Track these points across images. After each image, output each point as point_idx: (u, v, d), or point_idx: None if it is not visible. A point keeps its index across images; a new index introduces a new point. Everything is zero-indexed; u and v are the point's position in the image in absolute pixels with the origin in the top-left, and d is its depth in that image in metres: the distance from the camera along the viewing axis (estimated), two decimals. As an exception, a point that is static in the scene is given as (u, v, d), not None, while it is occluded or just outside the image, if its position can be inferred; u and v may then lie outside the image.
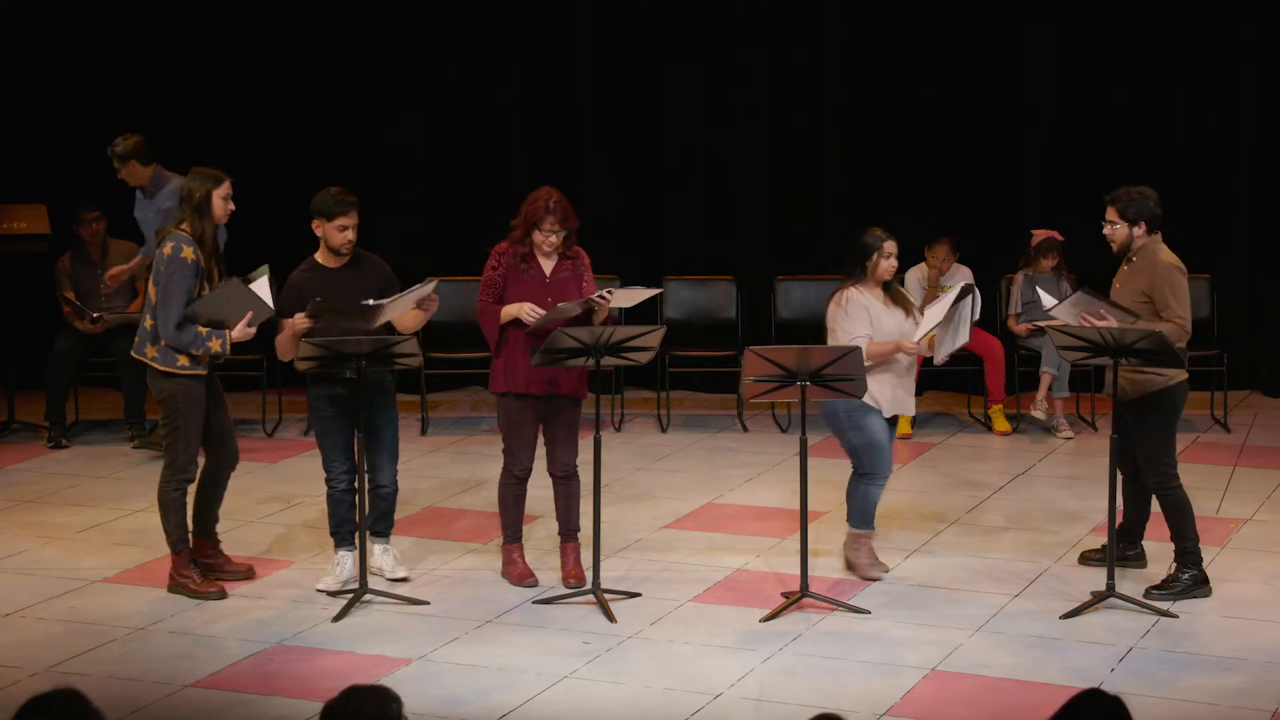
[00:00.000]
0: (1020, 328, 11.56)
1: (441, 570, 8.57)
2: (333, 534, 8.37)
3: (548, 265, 8.20)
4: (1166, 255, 8.14)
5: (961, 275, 11.67)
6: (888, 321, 8.28)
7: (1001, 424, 11.44)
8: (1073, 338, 7.92)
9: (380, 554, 8.43)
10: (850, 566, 8.49)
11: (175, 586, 8.27)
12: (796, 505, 8.11)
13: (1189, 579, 8.09)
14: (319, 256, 8.30)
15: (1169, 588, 8.08)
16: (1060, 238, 11.51)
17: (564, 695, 7.02)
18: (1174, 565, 8.15)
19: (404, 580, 8.37)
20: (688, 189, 12.68)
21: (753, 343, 9.52)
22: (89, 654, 7.48)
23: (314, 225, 8.25)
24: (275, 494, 9.98)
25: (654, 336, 8.04)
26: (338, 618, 7.87)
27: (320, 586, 8.28)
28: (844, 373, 7.81)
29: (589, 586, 8.08)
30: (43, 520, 9.46)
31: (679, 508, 9.70)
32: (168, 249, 8.13)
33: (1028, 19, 12.33)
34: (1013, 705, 6.93)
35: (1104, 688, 4.36)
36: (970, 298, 8.28)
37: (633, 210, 12.69)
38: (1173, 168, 12.26)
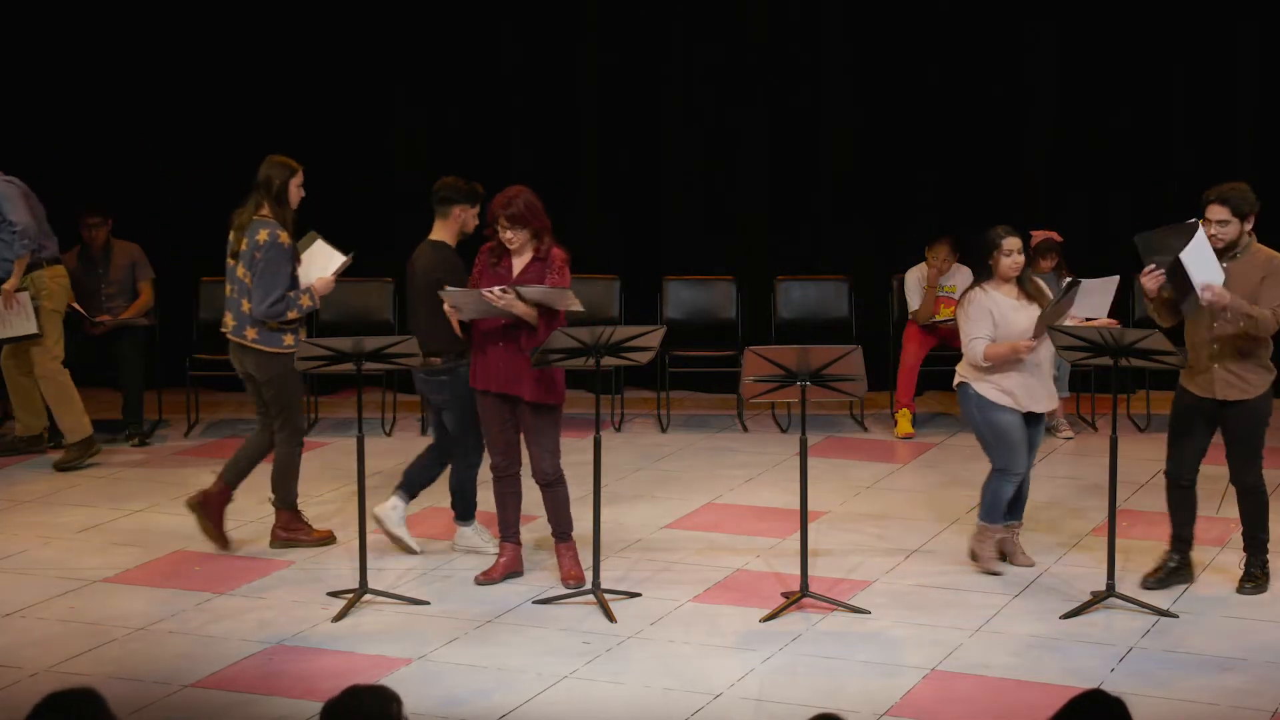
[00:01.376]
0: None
1: (442, 570, 8.57)
2: (465, 513, 8.78)
3: (518, 264, 8.20)
4: (1271, 251, 7.97)
5: (962, 275, 11.68)
6: (1018, 319, 8.26)
7: None
8: (1073, 337, 7.91)
9: (476, 531, 8.84)
10: (973, 557, 8.51)
11: (284, 542, 8.83)
12: (796, 505, 8.11)
13: (1260, 568, 8.14)
14: (446, 239, 8.64)
15: (1254, 580, 8.11)
16: (1059, 238, 11.51)
17: (564, 695, 7.02)
18: (1245, 559, 8.19)
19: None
20: (688, 189, 12.68)
21: (753, 343, 9.52)
22: (89, 654, 7.48)
23: (455, 211, 8.62)
24: (275, 494, 9.97)
25: (654, 336, 8.05)
26: (338, 618, 7.87)
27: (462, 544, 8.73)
28: (844, 373, 7.82)
29: (589, 586, 8.08)
30: (43, 520, 9.46)
31: (679, 508, 9.70)
32: (263, 235, 8.67)
33: (1028, 19, 12.33)
34: (1013, 705, 6.93)
35: (1104, 688, 4.36)
36: (1075, 289, 8.25)
37: (633, 210, 12.69)
38: (1173, 168, 12.27)
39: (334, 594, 8.15)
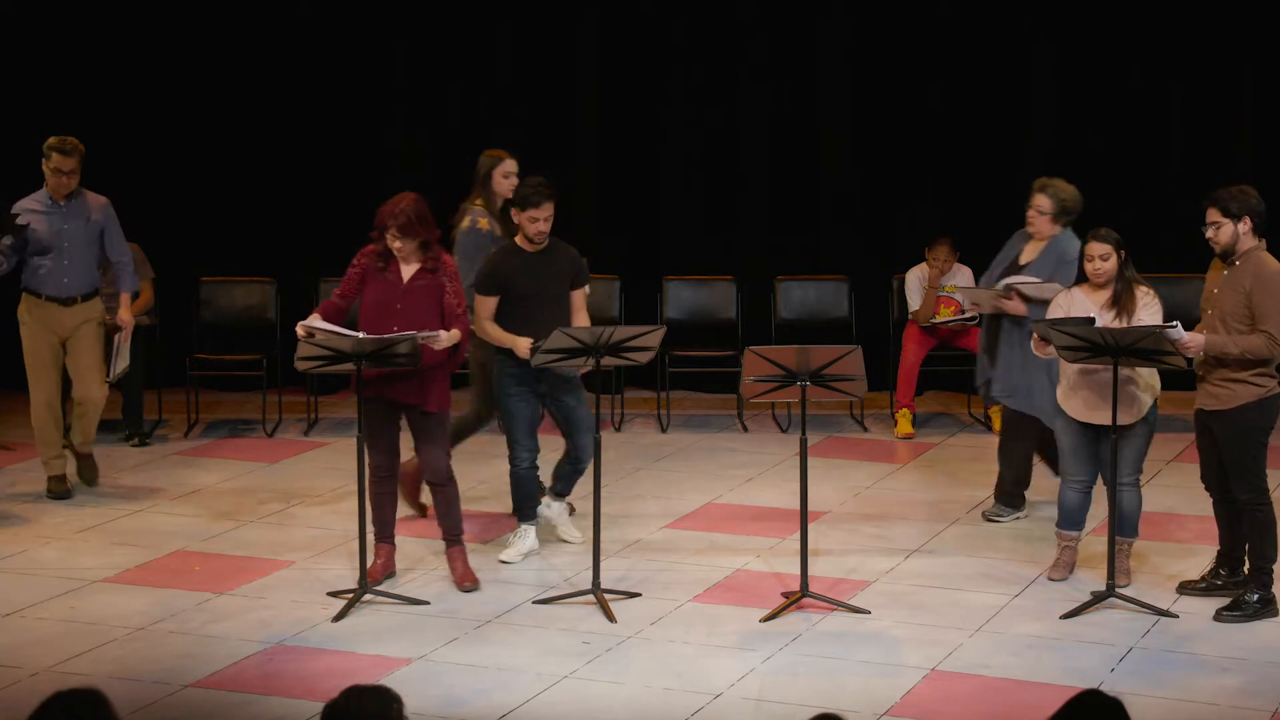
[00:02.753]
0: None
1: (442, 570, 8.57)
2: (516, 510, 8.72)
3: (407, 271, 8.14)
4: (1273, 263, 7.76)
5: (962, 275, 11.68)
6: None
7: (997, 425, 11.44)
8: (1073, 337, 7.85)
9: (560, 509, 8.91)
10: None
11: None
12: (796, 505, 8.11)
13: (1257, 600, 7.83)
14: (519, 239, 8.58)
15: (1240, 609, 7.82)
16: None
17: (564, 695, 7.03)
18: (1246, 582, 7.93)
19: (580, 542, 8.75)
20: (688, 189, 12.68)
21: (753, 343, 9.52)
22: (89, 654, 7.48)
23: (512, 213, 8.59)
24: (275, 494, 9.97)
25: (654, 336, 8.05)
26: (338, 618, 7.87)
27: (502, 558, 8.61)
28: (844, 373, 7.81)
29: (591, 587, 8.08)
30: (43, 520, 9.45)
31: (679, 508, 9.70)
32: (465, 221, 9.15)
33: (1028, 20, 12.32)
34: (1013, 705, 6.93)
35: (1104, 688, 4.36)
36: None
37: (633, 210, 12.69)
38: (1173, 168, 12.27)
39: (334, 594, 8.15)
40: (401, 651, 7.47)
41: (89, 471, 10.03)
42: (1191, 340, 7.70)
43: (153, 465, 10.67)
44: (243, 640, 7.62)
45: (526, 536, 8.73)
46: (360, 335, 7.89)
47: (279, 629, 7.76)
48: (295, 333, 8.04)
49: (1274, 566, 7.92)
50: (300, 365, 8.06)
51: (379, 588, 8.15)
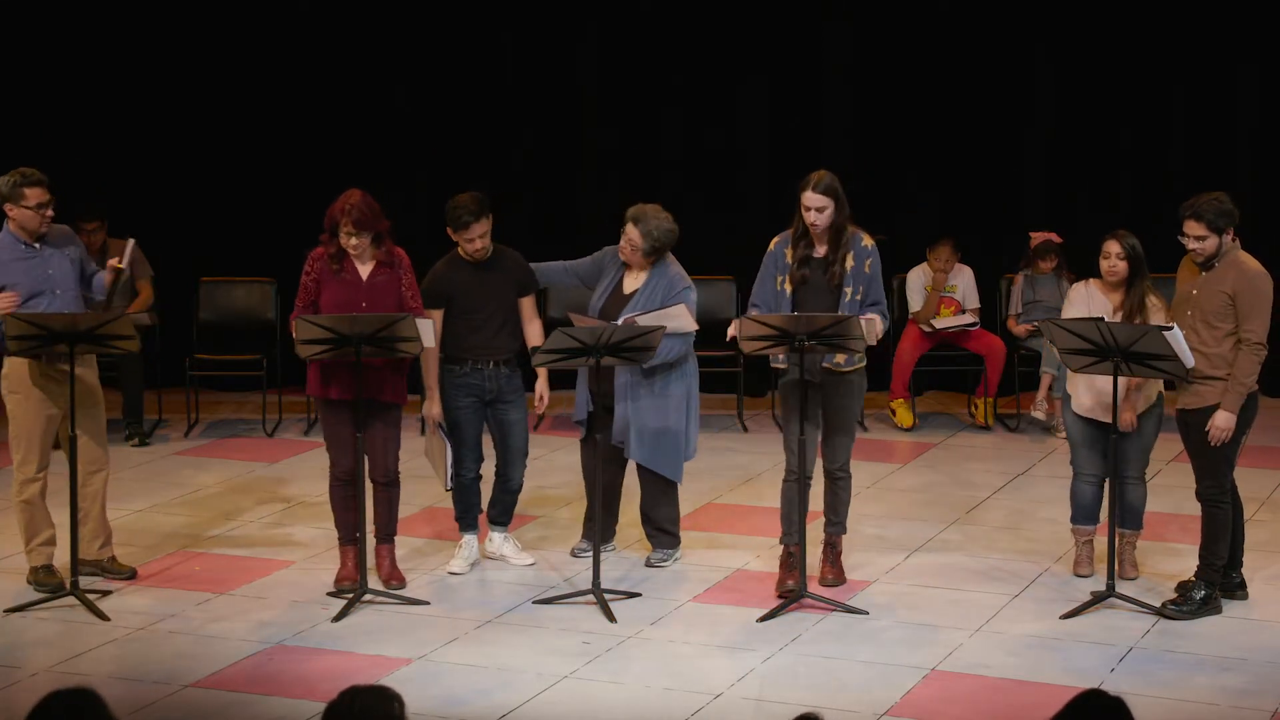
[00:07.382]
0: (1020, 328, 11.58)
1: (441, 570, 8.57)
2: (458, 519, 8.61)
3: (364, 269, 8.11)
4: (1252, 262, 7.84)
5: (964, 275, 11.69)
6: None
7: (981, 417, 11.53)
8: (1074, 336, 7.82)
9: (501, 541, 8.68)
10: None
11: None
12: (796, 505, 8.11)
13: (1203, 597, 7.87)
14: (461, 251, 8.44)
15: (1186, 604, 7.86)
16: (1058, 239, 11.52)
17: (564, 695, 7.03)
18: (1192, 579, 7.98)
19: (530, 565, 8.57)
20: (688, 188, 12.67)
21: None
22: (89, 654, 7.48)
23: (448, 231, 8.39)
24: (275, 494, 9.98)
25: (654, 336, 8.04)
26: (338, 618, 7.87)
27: (450, 569, 8.52)
28: (842, 334, 7.75)
29: (591, 587, 8.07)
30: (43, 520, 9.43)
31: (679, 507, 9.68)
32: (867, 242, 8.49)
33: (1028, 20, 12.33)
34: (1013, 705, 6.93)
35: (1104, 688, 4.36)
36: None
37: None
38: (1173, 167, 12.27)
39: (334, 594, 8.15)
40: (401, 651, 7.46)
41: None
42: (1224, 425, 7.74)
43: (153, 465, 10.67)
44: (243, 640, 7.61)
45: (470, 546, 8.60)
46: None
47: (279, 629, 7.76)
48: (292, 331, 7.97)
49: (1222, 567, 7.95)
50: (302, 351, 7.95)
51: (375, 588, 8.15)
